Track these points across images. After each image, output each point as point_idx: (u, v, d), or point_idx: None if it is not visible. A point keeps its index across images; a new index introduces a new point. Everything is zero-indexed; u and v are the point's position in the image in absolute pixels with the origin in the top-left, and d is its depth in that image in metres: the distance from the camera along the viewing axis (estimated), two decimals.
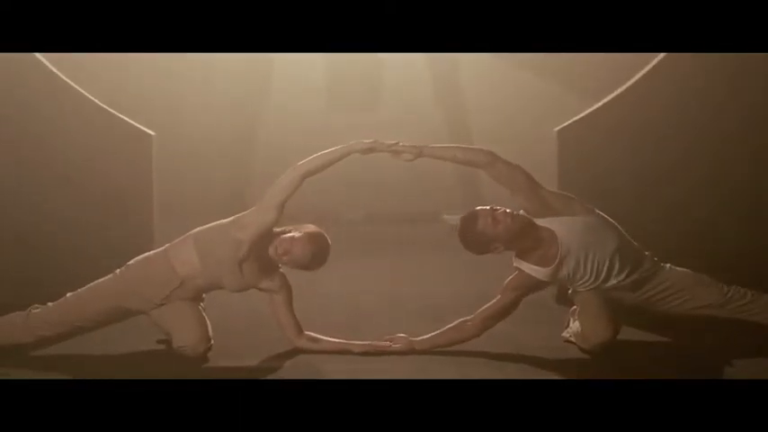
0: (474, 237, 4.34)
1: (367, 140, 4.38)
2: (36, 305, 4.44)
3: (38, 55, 5.16)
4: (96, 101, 5.36)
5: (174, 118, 7.88)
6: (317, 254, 4.39)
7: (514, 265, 4.46)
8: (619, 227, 4.45)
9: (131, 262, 4.48)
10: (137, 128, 5.44)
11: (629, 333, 4.64)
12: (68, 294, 4.45)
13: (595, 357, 4.38)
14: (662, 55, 5.19)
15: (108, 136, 5.38)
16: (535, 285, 4.50)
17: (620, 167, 5.29)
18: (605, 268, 4.37)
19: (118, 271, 4.45)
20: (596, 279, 4.40)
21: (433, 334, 4.52)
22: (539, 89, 8.11)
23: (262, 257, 4.40)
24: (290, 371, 4.27)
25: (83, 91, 5.31)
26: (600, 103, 5.38)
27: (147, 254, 4.53)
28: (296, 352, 4.48)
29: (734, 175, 5.18)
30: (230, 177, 8.25)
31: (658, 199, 5.23)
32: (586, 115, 5.39)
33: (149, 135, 5.51)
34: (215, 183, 8.13)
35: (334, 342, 4.53)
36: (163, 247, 4.51)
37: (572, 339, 4.60)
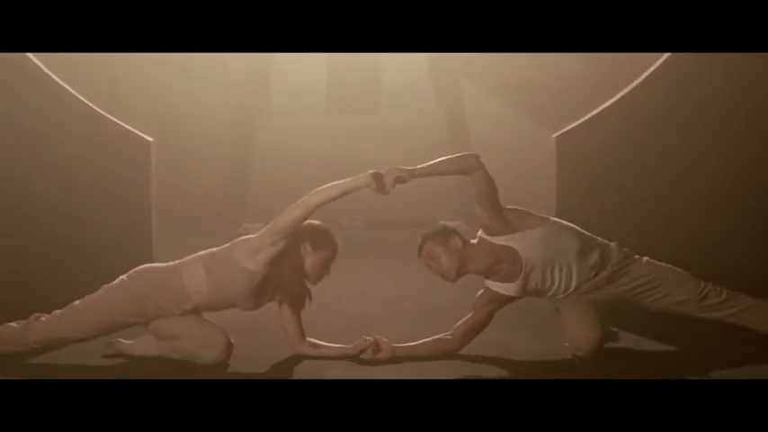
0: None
1: (373, 172, 4.31)
2: (38, 314, 4.40)
3: (35, 60, 5.13)
4: (95, 107, 5.34)
5: (172, 122, 7.86)
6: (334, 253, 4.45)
7: (484, 284, 4.51)
8: (577, 228, 4.45)
9: (135, 273, 4.38)
10: (135, 134, 5.43)
11: (626, 334, 4.67)
12: (73, 304, 4.38)
13: (595, 361, 4.40)
14: (660, 60, 5.16)
15: (106, 142, 5.37)
16: (506, 299, 4.52)
17: (619, 173, 5.27)
18: (574, 272, 4.39)
19: (122, 278, 4.38)
20: (568, 285, 4.41)
21: (415, 344, 4.53)
22: (538, 94, 8.10)
23: (273, 278, 4.37)
24: (288, 373, 4.29)
25: (81, 98, 5.29)
26: (598, 109, 5.37)
27: (155, 267, 4.44)
28: (296, 356, 4.49)
29: (734, 181, 5.12)
30: (229, 180, 8.22)
31: (658, 204, 5.21)
32: (585, 121, 5.38)
33: (148, 141, 5.50)
34: (214, 186, 8.10)
35: (334, 347, 4.54)
36: (173, 263, 4.41)
37: None
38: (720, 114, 5.03)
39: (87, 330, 4.34)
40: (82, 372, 4.23)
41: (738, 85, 4.96)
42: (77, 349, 4.44)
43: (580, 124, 5.37)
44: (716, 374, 4.15)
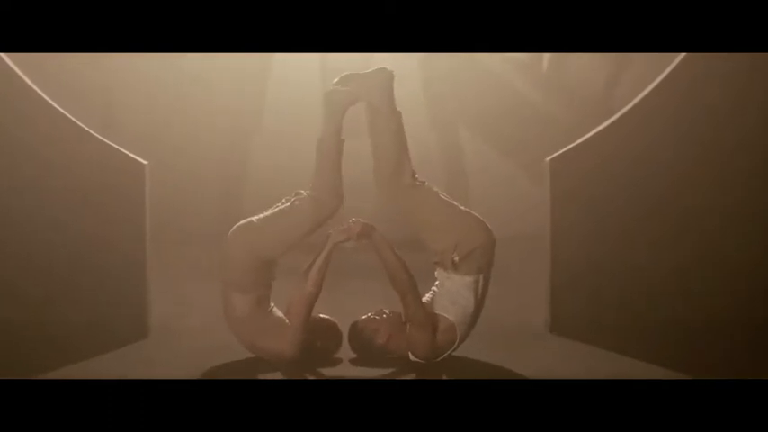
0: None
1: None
2: None
3: (29, 81, 5.12)
4: (89, 130, 5.33)
5: (166, 140, 7.84)
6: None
7: None
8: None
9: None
10: (130, 157, 5.41)
11: (623, 335, 4.72)
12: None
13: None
14: (656, 82, 5.16)
15: (100, 165, 5.35)
16: None
17: (613, 198, 5.25)
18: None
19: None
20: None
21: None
22: (533, 114, 8.11)
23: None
24: (288, 373, 4.30)
25: (74, 119, 5.27)
26: (592, 132, 5.35)
27: None
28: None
29: (737, 196, 5.07)
30: (224, 197, 8.15)
31: (653, 228, 5.18)
32: (578, 145, 5.36)
33: (142, 164, 5.49)
34: (208, 203, 8.05)
35: (320, 259, 4.55)
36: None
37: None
38: (721, 128, 5.02)
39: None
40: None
41: (741, 97, 4.96)
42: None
43: (574, 147, 5.35)
44: (716, 374, 4.16)
